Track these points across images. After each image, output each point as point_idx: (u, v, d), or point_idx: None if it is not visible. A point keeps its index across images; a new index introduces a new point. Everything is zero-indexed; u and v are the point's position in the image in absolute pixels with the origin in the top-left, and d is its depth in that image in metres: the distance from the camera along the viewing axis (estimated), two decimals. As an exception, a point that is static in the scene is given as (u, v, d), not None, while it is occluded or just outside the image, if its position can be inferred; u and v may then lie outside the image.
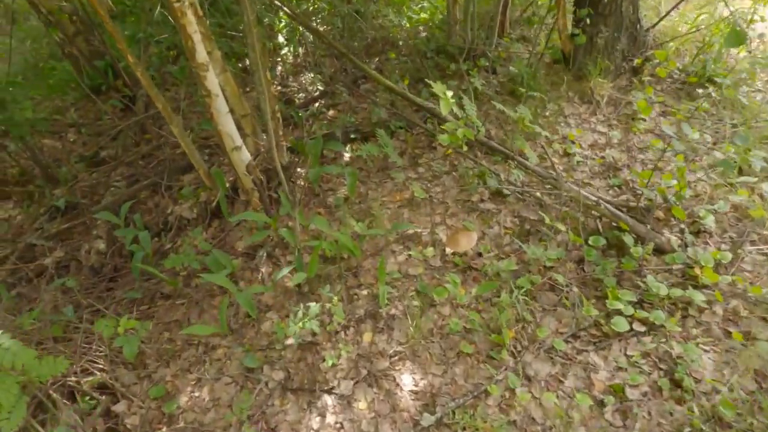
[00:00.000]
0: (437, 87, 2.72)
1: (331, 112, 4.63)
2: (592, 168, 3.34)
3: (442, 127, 2.87)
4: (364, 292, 2.89)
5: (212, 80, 2.79)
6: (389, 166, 3.70)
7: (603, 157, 3.39)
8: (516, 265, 2.73)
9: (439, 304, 2.72)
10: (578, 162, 3.37)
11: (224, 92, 3.44)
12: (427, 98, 4.09)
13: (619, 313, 2.40)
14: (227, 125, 2.99)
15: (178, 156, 4.30)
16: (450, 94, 2.73)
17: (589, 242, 2.76)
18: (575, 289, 2.62)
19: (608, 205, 2.80)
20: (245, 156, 3.14)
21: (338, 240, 2.84)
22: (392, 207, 3.37)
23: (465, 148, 2.93)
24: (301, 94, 4.91)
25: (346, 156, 3.97)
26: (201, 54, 2.68)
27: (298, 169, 3.78)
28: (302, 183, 3.67)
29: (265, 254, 3.25)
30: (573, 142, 3.48)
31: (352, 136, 4.09)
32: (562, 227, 2.80)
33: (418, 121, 3.73)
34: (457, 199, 3.31)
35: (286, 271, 2.83)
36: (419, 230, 3.15)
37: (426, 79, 3.65)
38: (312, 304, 2.60)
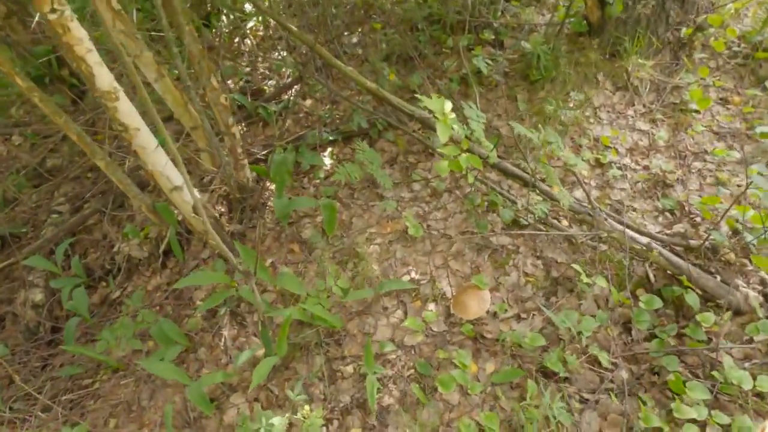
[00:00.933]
0: (431, 103, 1.99)
1: (308, 102, 3.86)
2: (634, 184, 2.62)
3: (440, 150, 2.15)
4: (350, 368, 2.28)
5: (127, 111, 2.06)
6: (378, 183, 3.00)
7: (647, 168, 2.66)
8: (543, 338, 2.09)
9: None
10: (615, 176, 2.65)
11: (165, 101, 2.71)
12: (419, 92, 3.32)
13: (691, 420, 1.78)
14: (159, 163, 2.28)
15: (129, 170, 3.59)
16: (449, 107, 2.01)
17: (640, 301, 2.11)
18: (623, 373, 2.00)
19: (663, 250, 2.12)
20: (187, 196, 2.45)
21: (312, 313, 2.20)
22: (382, 242, 2.70)
23: (471, 180, 2.22)
24: (271, 82, 4.11)
25: (327, 163, 3.27)
26: (103, 79, 1.94)
27: (266, 195, 3.09)
28: (268, 218, 2.99)
29: (227, 312, 2.63)
30: (608, 148, 2.74)
31: (332, 137, 3.36)
32: (603, 283, 2.14)
33: (409, 129, 2.98)
34: (463, 231, 2.63)
35: (246, 356, 2.22)
36: (416, 277, 2.50)
37: (415, 65, 2.88)
38: (275, 421, 1.99)
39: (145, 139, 2.18)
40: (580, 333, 2.07)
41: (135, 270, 3.10)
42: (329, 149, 3.40)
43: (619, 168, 2.66)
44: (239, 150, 2.90)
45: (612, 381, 2.01)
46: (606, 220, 2.21)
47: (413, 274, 2.52)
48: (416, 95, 2.11)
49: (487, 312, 2.26)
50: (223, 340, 2.58)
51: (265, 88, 4.07)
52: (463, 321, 2.25)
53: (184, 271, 2.95)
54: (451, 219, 2.72)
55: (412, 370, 2.20)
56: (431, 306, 2.38)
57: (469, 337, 2.21)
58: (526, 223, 2.52)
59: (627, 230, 2.17)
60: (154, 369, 2.16)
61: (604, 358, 2.02)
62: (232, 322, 2.62)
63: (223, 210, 3.06)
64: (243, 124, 3.82)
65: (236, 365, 2.26)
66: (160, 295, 2.87)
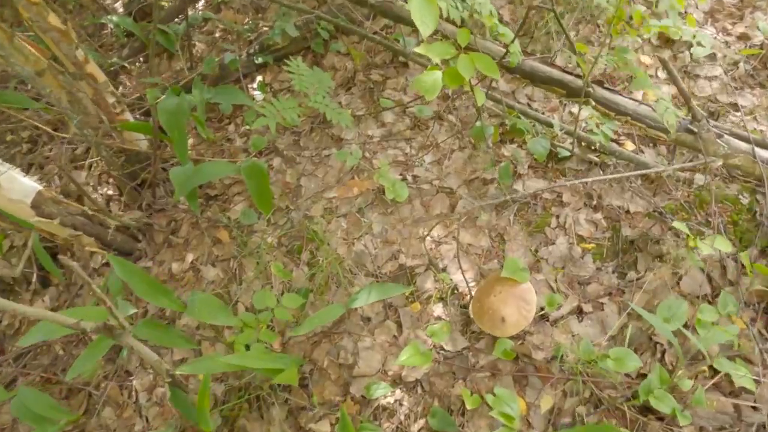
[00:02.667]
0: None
1: (223, 15, 2.75)
2: (731, 66, 1.66)
3: (419, 53, 1.16)
4: (324, 427, 1.45)
5: None
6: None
7: (746, 37, 1.69)
8: (636, 358, 1.23)
9: (480, 452, 1.30)
10: (698, 58, 1.68)
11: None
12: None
13: None
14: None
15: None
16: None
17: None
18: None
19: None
20: (24, 187, 1.47)
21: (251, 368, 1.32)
22: (348, 210, 1.77)
23: (480, 99, 1.26)
24: (169, -7, 2.94)
25: (259, 100, 2.26)
26: None
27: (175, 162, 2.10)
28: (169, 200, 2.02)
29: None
30: (678, 15, 1.74)
31: (260, 60, 2.32)
32: (723, 245, 1.25)
33: (367, 31, 1.94)
34: (470, 179, 1.70)
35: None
36: (406, 262, 1.61)
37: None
38: None
39: None
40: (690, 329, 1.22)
41: (11, 294, 2.17)
42: (258, 78, 2.37)
43: (701, 44, 1.68)
44: (112, 100, 1.88)
45: (758, 409, 1.19)
46: (717, 135, 1.28)
47: (402, 259, 1.62)
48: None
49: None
50: (133, 393, 1.72)
51: (164, 2, 2.91)
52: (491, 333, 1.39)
53: (74, 291, 2.03)
54: (448, 161, 1.78)
55: (423, 423, 1.37)
56: (437, 309, 1.50)
57: (507, 360, 1.36)
58: (567, 154, 1.58)
59: (758, 150, 1.25)
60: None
61: (743, 377, 1.18)
62: (145, 363, 1.75)
63: (112, 193, 2.08)
64: (140, 58, 2.73)
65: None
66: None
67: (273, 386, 1.52)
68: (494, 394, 1.26)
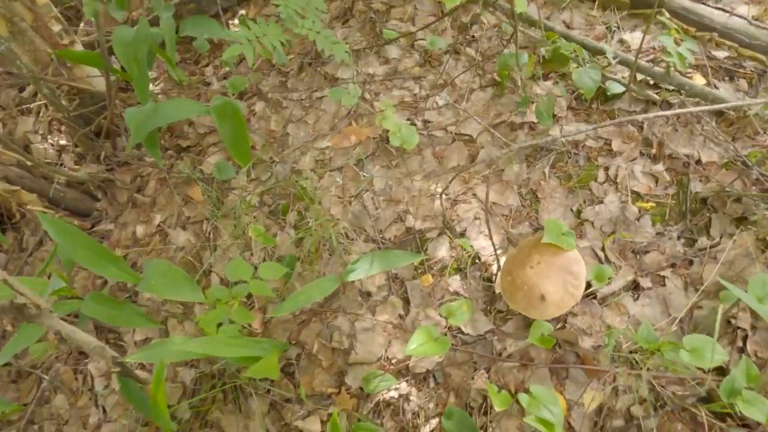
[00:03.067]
0: None
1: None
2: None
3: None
4: (313, 425, 1.18)
5: None
6: (325, 54, 1.69)
7: None
8: (723, 351, 0.94)
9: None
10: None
11: None
12: None
13: None
14: None
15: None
16: None
17: None
18: None
19: None
20: None
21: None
22: (344, 163, 1.46)
23: (521, 6, 0.93)
24: None
25: (235, 29, 1.91)
26: None
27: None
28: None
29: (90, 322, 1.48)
30: None
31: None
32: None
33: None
34: (495, 123, 1.38)
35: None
36: (416, 224, 1.31)
37: None
38: None
39: None
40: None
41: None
42: (241, 12, 2.03)
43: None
44: (57, 29, 1.54)
45: None
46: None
47: (410, 221, 1.32)
48: None
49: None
50: (88, 378, 1.45)
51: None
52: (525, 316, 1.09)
53: (23, 255, 1.73)
54: (466, 103, 1.46)
55: (435, 424, 1.09)
56: (453, 283, 1.21)
57: (543, 347, 1.07)
58: (619, 90, 1.26)
59: None
60: None
61: None
62: (102, 337, 1.47)
63: (65, 143, 1.76)
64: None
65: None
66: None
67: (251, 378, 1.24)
68: (529, 393, 0.98)
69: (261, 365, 0.98)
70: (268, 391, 1.24)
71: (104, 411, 1.38)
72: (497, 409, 0.97)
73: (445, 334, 1.14)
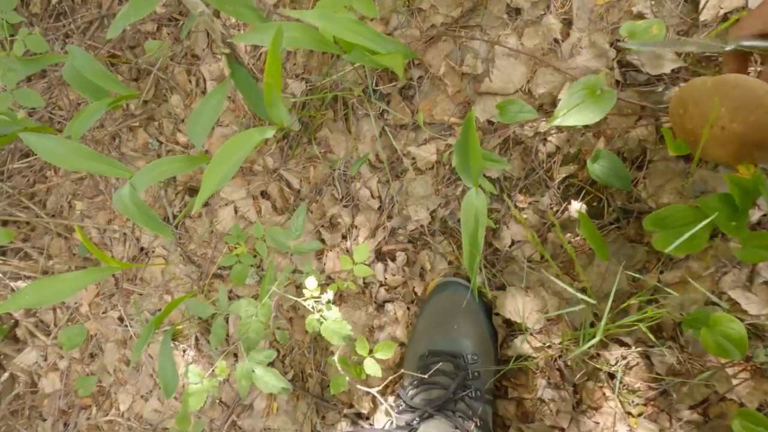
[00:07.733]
0: None
1: None
2: None
3: None
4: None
5: None
6: None
7: None
8: None
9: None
10: None
11: None
12: None
13: None
14: None
15: None
16: None
17: None
18: None
19: None
20: None
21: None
22: None
23: None
24: None
25: None
26: None
27: None
28: None
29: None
30: None
31: None
32: None
33: None
34: None
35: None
36: None
37: None
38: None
39: None
40: None
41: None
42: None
43: None
44: None
45: None
46: None
47: None
48: None
49: None
50: (201, 81, 1.41)
51: None
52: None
53: None
54: None
55: (574, 168, 0.92)
56: (640, 2, 0.90)
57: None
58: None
59: None
60: None
61: None
62: (213, 47, 1.39)
63: None
64: None
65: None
66: None
67: (367, 90, 1.11)
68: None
69: (389, 56, 0.81)
70: (382, 113, 1.12)
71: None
72: (672, 153, 0.76)
73: (611, 74, 0.88)
